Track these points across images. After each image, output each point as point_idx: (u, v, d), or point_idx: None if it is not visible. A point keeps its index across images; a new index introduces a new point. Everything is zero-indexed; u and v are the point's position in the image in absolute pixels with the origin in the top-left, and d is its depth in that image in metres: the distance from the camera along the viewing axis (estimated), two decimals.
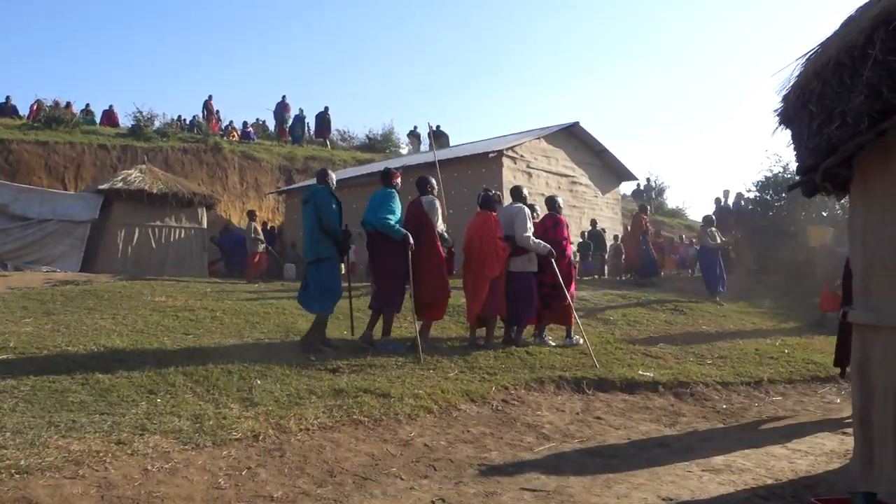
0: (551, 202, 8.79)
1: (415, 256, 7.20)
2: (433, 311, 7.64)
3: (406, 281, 7.26)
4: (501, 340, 8.05)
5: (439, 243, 7.54)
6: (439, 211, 7.72)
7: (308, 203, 7.19)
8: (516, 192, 8.37)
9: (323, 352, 6.98)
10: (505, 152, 15.55)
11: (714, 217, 13.75)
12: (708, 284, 12.94)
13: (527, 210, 7.95)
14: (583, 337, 8.00)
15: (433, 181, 7.93)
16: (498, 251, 7.60)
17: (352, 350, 7.15)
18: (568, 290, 8.23)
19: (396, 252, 7.19)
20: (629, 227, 17.53)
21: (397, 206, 7.34)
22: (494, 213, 7.90)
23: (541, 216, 8.68)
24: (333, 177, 7.55)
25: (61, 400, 4.86)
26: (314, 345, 7.09)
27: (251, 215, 15.93)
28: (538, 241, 7.86)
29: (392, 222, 7.17)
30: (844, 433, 5.38)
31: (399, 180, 7.67)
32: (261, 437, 4.37)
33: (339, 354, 6.92)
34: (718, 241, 13.14)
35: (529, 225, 7.86)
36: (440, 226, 7.64)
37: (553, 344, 8.23)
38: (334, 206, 7.12)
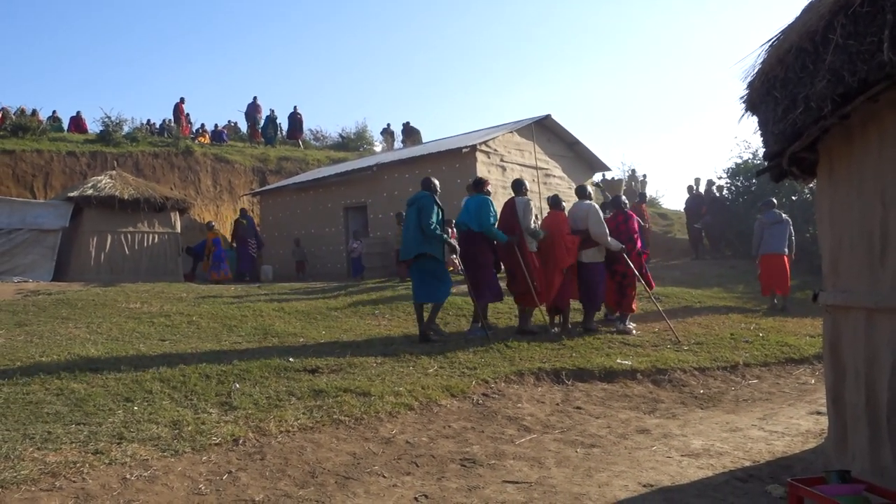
0: (616, 201, 9.68)
1: (509, 253, 8.28)
2: (526, 299, 8.48)
3: (499, 272, 8.47)
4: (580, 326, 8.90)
5: (526, 241, 8.39)
6: (533, 210, 8.65)
7: (412, 206, 7.97)
8: (581, 191, 9.25)
9: (443, 333, 7.94)
10: (478, 147, 15.56)
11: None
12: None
13: (596, 206, 8.89)
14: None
15: (527, 184, 8.94)
16: (567, 244, 8.49)
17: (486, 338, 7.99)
18: (643, 279, 9.09)
19: (485, 248, 8.25)
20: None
21: (494, 211, 8.27)
22: (564, 213, 8.91)
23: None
24: (437, 184, 8.25)
25: (36, 411, 4.79)
26: (434, 329, 7.94)
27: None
28: (614, 240, 8.72)
29: (496, 230, 8.20)
30: (819, 413, 5.48)
31: (490, 186, 8.55)
32: (241, 441, 4.34)
33: (419, 347, 7.46)
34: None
35: (603, 222, 8.76)
36: (533, 224, 8.50)
37: (633, 327, 8.95)
38: (435, 209, 7.86)
